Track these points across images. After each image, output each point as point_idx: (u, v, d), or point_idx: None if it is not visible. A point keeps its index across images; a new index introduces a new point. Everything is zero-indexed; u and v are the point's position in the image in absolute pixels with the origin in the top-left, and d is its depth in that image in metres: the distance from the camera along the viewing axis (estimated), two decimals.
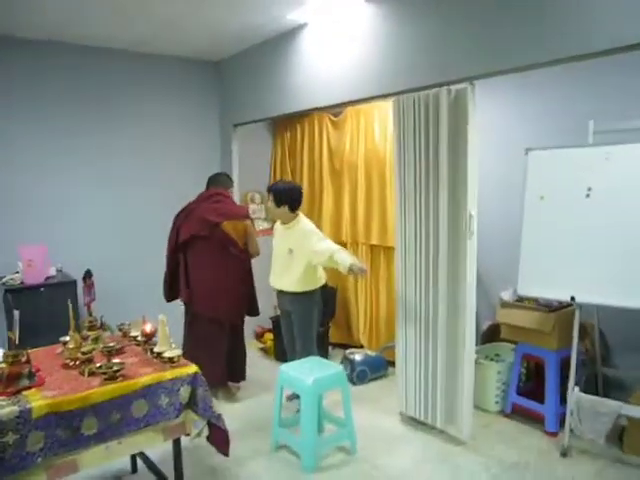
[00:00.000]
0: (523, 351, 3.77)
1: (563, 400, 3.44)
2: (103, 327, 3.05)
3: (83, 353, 2.60)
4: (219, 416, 2.71)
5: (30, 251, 4.15)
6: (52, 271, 4.39)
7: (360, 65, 3.81)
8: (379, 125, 4.83)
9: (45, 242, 4.32)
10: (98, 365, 2.52)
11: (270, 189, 3.78)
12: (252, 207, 5.66)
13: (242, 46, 4.95)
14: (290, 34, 4.44)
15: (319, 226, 4.48)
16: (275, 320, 4.92)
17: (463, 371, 3.38)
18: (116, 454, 2.45)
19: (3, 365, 2.36)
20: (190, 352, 3.91)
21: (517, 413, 3.79)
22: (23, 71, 4.45)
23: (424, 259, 3.51)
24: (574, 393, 3.25)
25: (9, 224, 4.42)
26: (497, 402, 3.91)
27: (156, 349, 2.71)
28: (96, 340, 2.84)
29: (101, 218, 4.90)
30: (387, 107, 4.36)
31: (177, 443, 2.70)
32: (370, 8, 3.69)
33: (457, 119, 3.24)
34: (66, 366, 2.63)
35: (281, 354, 4.52)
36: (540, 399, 3.62)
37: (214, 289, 4.00)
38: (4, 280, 4.14)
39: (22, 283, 4.14)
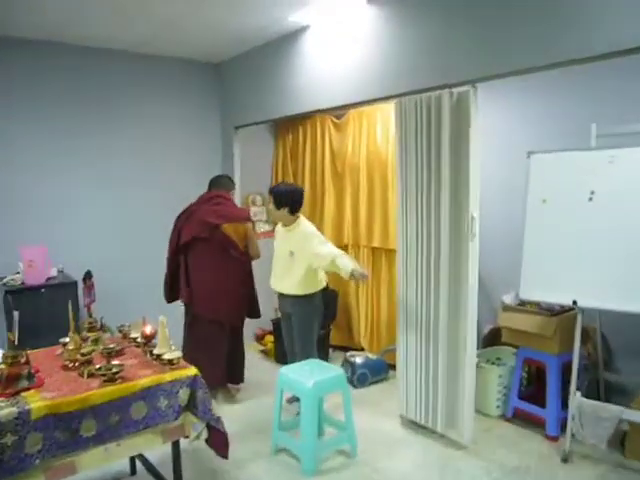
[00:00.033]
0: (524, 355, 3.75)
1: (564, 405, 3.43)
2: (103, 328, 3.04)
3: (82, 354, 2.60)
4: (218, 419, 2.70)
5: (31, 252, 4.14)
6: (53, 272, 4.38)
7: (362, 67, 3.81)
8: (381, 127, 4.82)
9: (45, 243, 4.32)
10: (97, 367, 2.52)
11: (271, 191, 3.77)
12: (254, 209, 5.65)
13: (244, 48, 4.95)
14: (292, 36, 4.44)
15: (321, 228, 4.48)
16: (276, 322, 4.91)
17: (464, 375, 3.37)
18: (115, 456, 2.44)
19: (2, 366, 2.36)
20: (190, 353, 3.90)
21: (518, 417, 3.77)
22: (23, 71, 4.45)
23: (425, 261, 3.50)
24: (576, 398, 3.23)
25: (9, 224, 4.41)
26: (498, 406, 3.89)
27: (156, 351, 2.70)
28: (96, 341, 2.84)
29: (101, 219, 4.90)
30: (389, 109, 4.35)
31: (176, 445, 2.69)
32: (372, 10, 3.69)
33: (459, 122, 3.23)
34: (65, 367, 2.62)
35: (282, 356, 4.50)
36: (541, 403, 3.60)
37: (214, 291, 3.99)
38: (5, 281, 4.14)
39: (23, 284, 4.13)
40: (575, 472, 3.15)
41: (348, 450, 3.39)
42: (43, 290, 4.13)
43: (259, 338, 5.57)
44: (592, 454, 3.30)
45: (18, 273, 4.20)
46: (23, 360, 2.40)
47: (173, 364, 2.62)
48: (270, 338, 5.27)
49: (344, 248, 5.01)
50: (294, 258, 3.67)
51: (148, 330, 2.85)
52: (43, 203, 4.59)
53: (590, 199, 3.16)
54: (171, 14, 3.92)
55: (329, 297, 4.55)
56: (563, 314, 3.55)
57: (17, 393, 2.29)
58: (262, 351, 5.38)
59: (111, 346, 2.72)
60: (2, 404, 2.19)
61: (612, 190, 3.09)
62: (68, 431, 2.26)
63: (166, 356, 2.63)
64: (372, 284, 5.01)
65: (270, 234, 4.82)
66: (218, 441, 2.75)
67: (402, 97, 3.53)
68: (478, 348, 3.69)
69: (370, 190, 4.97)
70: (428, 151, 3.40)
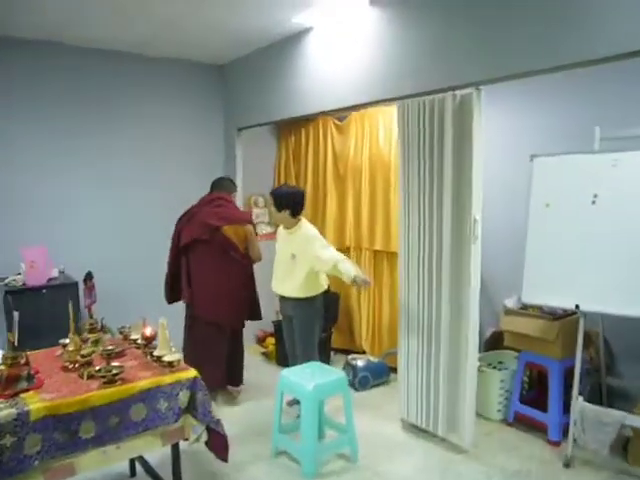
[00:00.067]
0: (526, 359, 3.73)
1: (566, 409, 3.40)
2: (104, 329, 3.04)
3: (82, 356, 2.59)
4: (218, 421, 2.69)
5: (32, 252, 4.14)
6: (54, 272, 4.38)
7: (365, 69, 3.80)
8: (384, 130, 4.81)
9: (45, 243, 4.31)
10: (97, 368, 2.51)
11: (272, 193, 3.76)
12: (256, 211, 5.65)
13: (247, 49, 4.95)
14: (295, 37, 4.44)
15: (323, 231, 4.47)
16: (277, 324, 4.89)
17: (465, 378, 3.35)
18: (114, 458, 2.44)
19: (2, 367, 2.35)
20: (190, 355, 3.91)
21: (520, 422, 3.75)
22: (23, 71, 4.45)
23: (427, 264, 3.48)
24: (578, 402, 3.21)
25: (9, 224, 4.41)
26: (499, 410, 3.87)
27: (156, 353, 2.70)
28: (96, 343, 2.83)
29: (102, 219, 4.89)
30: (392, 112, 4.34)
31: (176, 448, 2.69)
32: (375, 12, 3.68)
33: (462, 124, 3.22)
34: (65, 369, 2.62)
35: (283, 359, 4.49)
36: (543, 408, 3.58)
37: (215, 293, 3.99)
38: (6, 281, 4.14)
39: (24, 284, 4.13)
40: (577, 478, 3.13)
41: (349, 453, 3.38)
42: (44, 291, 4.13)
43: (260, 340, 5.56)
44: (594, 460, 3.28)
45: (19, 274, 4.20)
46: (23, 361, 2.40)
47: (173, 366, 2.61)
48: (271, 340, 5.26)
49: (346, 251, 5.02)
50: (296, 261, 3.66)
51: (148, 332, 2.84)
52: (43, 203, 4.59)
53: (593, 202, 3.14)
54: (171, 14, 3.92)
55: (331, 300, 4.54)
56: (565, 318, 3.53)
57: (16, 394, 2.28)
58: (263, 353, 5.37)
59: (111, 348, 2.71)
60: (1, 405, 2.18)
61: (615, 194, 3.07)
62: (67, 433, 2.26)
63: (166, 358, 2.62)
64: (374, 287, 5.00)
65: (272, 236, 4.81)
66: (218, 444, 2.74)
67: (405, 99, 3.53)
68: (480, 352, 3.67)
69: (372, 192, 4.96)
70: (431, 153, 3.39)
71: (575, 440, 3.22)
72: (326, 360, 4.64)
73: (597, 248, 3.12)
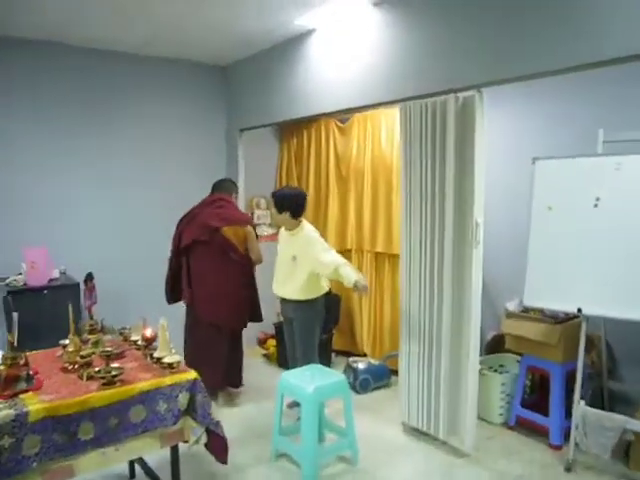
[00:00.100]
0: (528, 363, 3.72)
1: (568, 413, 3.38)
2: (104, 330, 3.03)
3: (82, 357, 2.59)
4: (218, 423, 2.68)
5: (34, 253, 4.13)
6: (55, 273, 4.37)
7: (367, 71, 3.80)
8: (386, 132, 4.81)
9: (46, 243, 4.30)
10: (97, 369, 2.50)
11: (273, 195, 3.76)
12: (257, 212, 5.64)
13: (250, 51, 4.94)
14: (298, 39, 4.44)
15: (324, 233, 4.47)
16: (278, 326, 4.88)
17: (467, 382, 3.34)
18: (113, 460, 2.43)
19: (1, 367, 2.35)
20: (190, 356, 3.91)
21: (521, 425, 3.73)
22: (23, 71, 4.44)
23: (429, 267, 3.47)
24: (579, 406, 3.19)
25: (9, 224, 4.40)
26: (501, 414, 3.85)
27: (156, 354, 2.69)
28: (96, 344, 2.82)
29: (102, 220, 4.88)
30: (394, 114, 4.34)
31: (175, 449, 2.68)
32: (378, 14, 3.67)
33: (464, 127, 3.21)
34: (65, 370, 2.61)
35: (284, 360, 4.48)
36: (545, 412, 3.56)
37: (215, 294, 3.98)
38: (7, 281, 4.13)
39: (25, 285, 4.12)
40: None
41: (349, 456, 3.36)
42: (45, 291, 4.12)
43: (261, 342, 5.54)
44: (596, 464, 3.26)
45: (20, 274, 4.19)
46: (22, 362, 2.39)
47: (173, 368, 2.60)
48: (272, 342, 5.25)
49: (347, 253, 5.01)
50: (297, 263, 3.64)
51: (148, 333, 2.84)
52: (43, 203, 4.58)
53: (595, 206, 3.13)
54: (171, 14, 3.91)
55: (332, 302, 4.53)
56: (567, 322, 3.52)
57: (15, 395, 2.28)
58: (264, 355, 5.36)
59: (110, 349, 2.70)
60: (0, 406, 2.17)
61: (618, 197, 3.05)
62: (66, 434, 2.25)
63: (166, 359, 2.61)
64: (375, 289, 4.99)
65: (273, 238, 4.80)
66: (217, 446, 2.73)
67: (407, 101, 3.52)
68: (481, 355, 3.65)
69: (374, 194, 4.96)
70: (433, 156, 3.38)
71: (577, 444, 3.20)
72: (327, 362, 4.63)
73: (599, 252, 3.10)
